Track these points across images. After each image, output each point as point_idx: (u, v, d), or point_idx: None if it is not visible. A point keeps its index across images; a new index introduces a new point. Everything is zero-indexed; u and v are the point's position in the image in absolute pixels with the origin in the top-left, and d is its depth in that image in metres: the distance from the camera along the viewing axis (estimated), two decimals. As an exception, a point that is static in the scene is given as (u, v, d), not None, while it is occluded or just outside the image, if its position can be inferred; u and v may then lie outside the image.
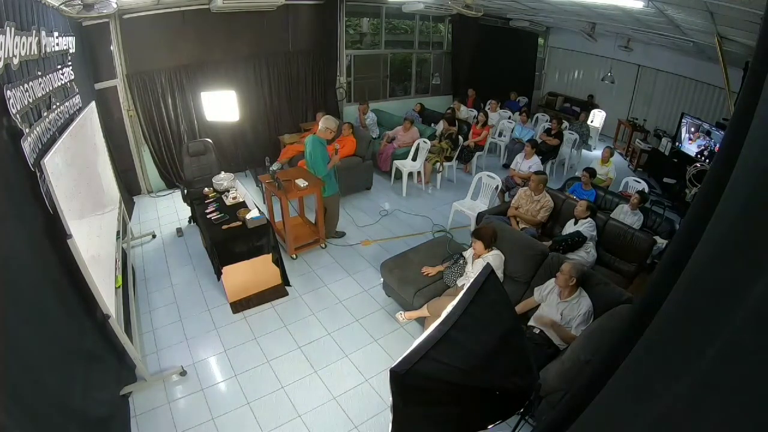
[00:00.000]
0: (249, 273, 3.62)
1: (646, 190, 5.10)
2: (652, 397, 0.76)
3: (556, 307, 2.80)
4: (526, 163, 5.38)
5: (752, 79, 0.73)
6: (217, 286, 3.79)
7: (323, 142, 4.20)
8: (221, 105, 4.55)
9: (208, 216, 3.74)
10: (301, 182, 4.17)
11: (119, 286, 3.03)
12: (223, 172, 4.31)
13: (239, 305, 3.62)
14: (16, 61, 2.17)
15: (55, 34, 3.01)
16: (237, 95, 4.60)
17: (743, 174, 0.69)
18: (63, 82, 3.14)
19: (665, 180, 6.26)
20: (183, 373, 2.95)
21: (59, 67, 3.10)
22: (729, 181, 0.72)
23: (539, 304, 2.97)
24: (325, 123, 4.17)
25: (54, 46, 2.96)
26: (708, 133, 6.05)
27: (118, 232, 3.54)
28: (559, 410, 1.28)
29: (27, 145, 2.15)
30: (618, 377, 0.94)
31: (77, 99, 3.47)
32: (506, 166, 6.87)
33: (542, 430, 1.45)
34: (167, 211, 5.35)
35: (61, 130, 2.75)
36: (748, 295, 0.57)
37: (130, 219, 4.74)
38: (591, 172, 4.75)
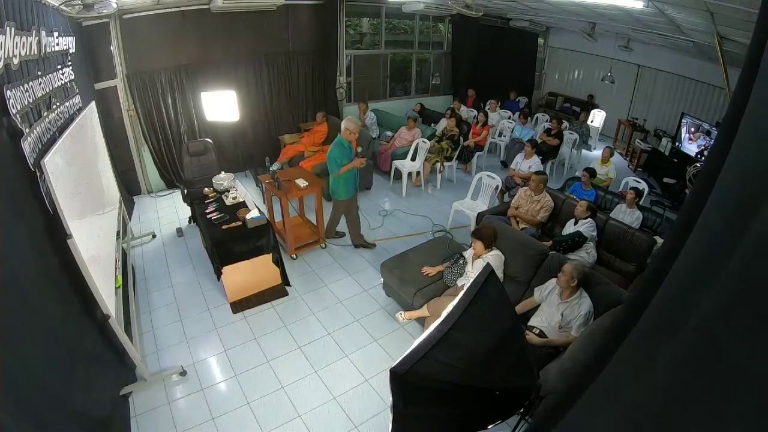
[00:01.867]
0: (249, 273, 3.62)
1: (646, 190, 5.11)
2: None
3: (556, 308, 2.80)
4: (526, 163, 5.38)
5: (745, 77, 0.73)
6: (217, 286, 3.79)
7: (343, 143, 3.99)
8: (221, 105, 4.55)
9: (208, 216, 3.74)
10: (301, 182, 4.17)
11: (119, 286, 3.03)
12: (223, 172, 4.31)
13: (239, 305, 3.62)
14: (16, 61, 2.17)
15: (55, 34, 3.01)
16: (237, 95, 4.60)
17: (730, 174, 0.69)
18: (63, 82, 3.14)
19: (665, 180, 6.26)
20: (183, 373, 2.95)
21: (59, 67, 3.10)
22: (717, 181, 0.72)
23: (539, 304, 2.97)
24: (344, 123, 4.00)
25: (54, 46, 2.96)
26: (708, 133, 6.05)
27: (118, 232, 3.54)
28: (547, 409, 1.28)
29: (27, 145, 2.15)
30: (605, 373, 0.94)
31: (77, 99, 3.47)
32: (504, 163, 6.89)
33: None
34: (167, 211, 5.35)
35: (61, 130, 2.75)
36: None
37: (130, 219, 4.75)
38: (591, 172, 4.75)
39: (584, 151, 7.42)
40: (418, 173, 5.95)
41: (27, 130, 2.21)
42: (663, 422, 0.68)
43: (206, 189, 4.18)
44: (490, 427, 1.57)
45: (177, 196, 5.54)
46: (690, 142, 6.37)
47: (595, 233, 3.78)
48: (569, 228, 3.92)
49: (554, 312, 2.80)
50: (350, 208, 4.36)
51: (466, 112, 7.78)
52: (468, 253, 3.37)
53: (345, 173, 4.02)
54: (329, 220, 4.51)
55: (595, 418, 0.95)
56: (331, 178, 4.10)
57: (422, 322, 3.25)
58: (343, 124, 4.01)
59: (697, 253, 0.74)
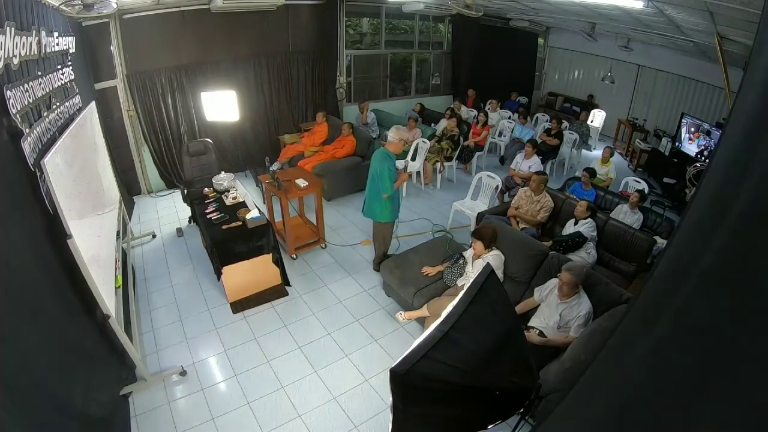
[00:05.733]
0: (249, 273, 3.62)
1: (646, 190, 5.11)
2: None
3: (555, 308, 2.80)
4: (526, 163, 5.37)
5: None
6: (217, 286, 3.79)
7: (392, 156, 3.57)
8: (221, 105, 4.55)
9: (208, 216, 3.74)
10: (301, 182, 4.17)
11: (119, 286, 3.03)
12: (223, 172, 4.31)
13: (239, 305, 3.62)
14: (16, 61, 2.18)
15: (55, 34, 3.01)
16: (237, 95, 4.60)
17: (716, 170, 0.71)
18: (63, 82, 3.14)
19: (665, 180, 6.26)
20: (183, 373, 2.95)
21: (59, 67, 3.10)
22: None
23: (539, 304, 2.97)
24: (397, 134, 3.57)
25: (54, 46, 2.96)
26: (708, 133, 6.05)
27: (118, 232, 3.54)
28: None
29: (27, 145, 2.16)
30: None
31: (77, 99, 3.47)
32: (501, 159, 6.89)
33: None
34: (167, 211, 5.35)
35: (61, 130, 2.75)
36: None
37: (130, 219, 4.74)
38: (591, 172, 4.75)
39: (584, 151, 7.41)
40: (419, 173, 5.94)
41: (27, 130, 2.21)
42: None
43: (206, 189, 4.18)
44: (490, 427, 1.57)
45: (177, 196, 5.53)
46: (690, 142, 6.36)
47: (595, 233, 3.78)
48: (569, 228, 3.92)
49: (553, 312, 2.80)
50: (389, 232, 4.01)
51: (466, 112, 7.78)
52: (468, 253, 3.37)
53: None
54: (379, 248, 4.02)
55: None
56: (379, 199, 3.68)
57: (422, 322, 3.25)
58: (393, 135, 3.58)
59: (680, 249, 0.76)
